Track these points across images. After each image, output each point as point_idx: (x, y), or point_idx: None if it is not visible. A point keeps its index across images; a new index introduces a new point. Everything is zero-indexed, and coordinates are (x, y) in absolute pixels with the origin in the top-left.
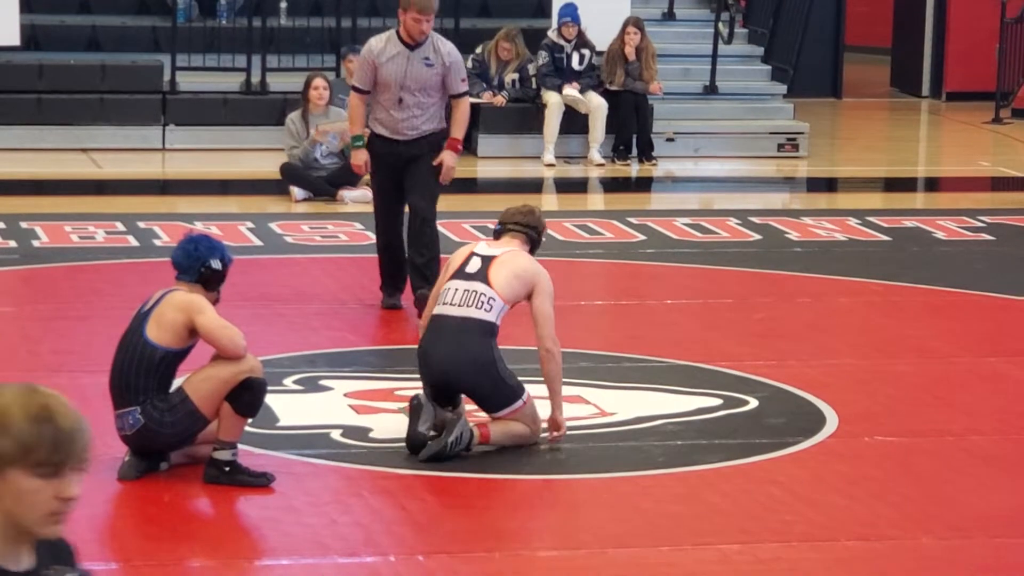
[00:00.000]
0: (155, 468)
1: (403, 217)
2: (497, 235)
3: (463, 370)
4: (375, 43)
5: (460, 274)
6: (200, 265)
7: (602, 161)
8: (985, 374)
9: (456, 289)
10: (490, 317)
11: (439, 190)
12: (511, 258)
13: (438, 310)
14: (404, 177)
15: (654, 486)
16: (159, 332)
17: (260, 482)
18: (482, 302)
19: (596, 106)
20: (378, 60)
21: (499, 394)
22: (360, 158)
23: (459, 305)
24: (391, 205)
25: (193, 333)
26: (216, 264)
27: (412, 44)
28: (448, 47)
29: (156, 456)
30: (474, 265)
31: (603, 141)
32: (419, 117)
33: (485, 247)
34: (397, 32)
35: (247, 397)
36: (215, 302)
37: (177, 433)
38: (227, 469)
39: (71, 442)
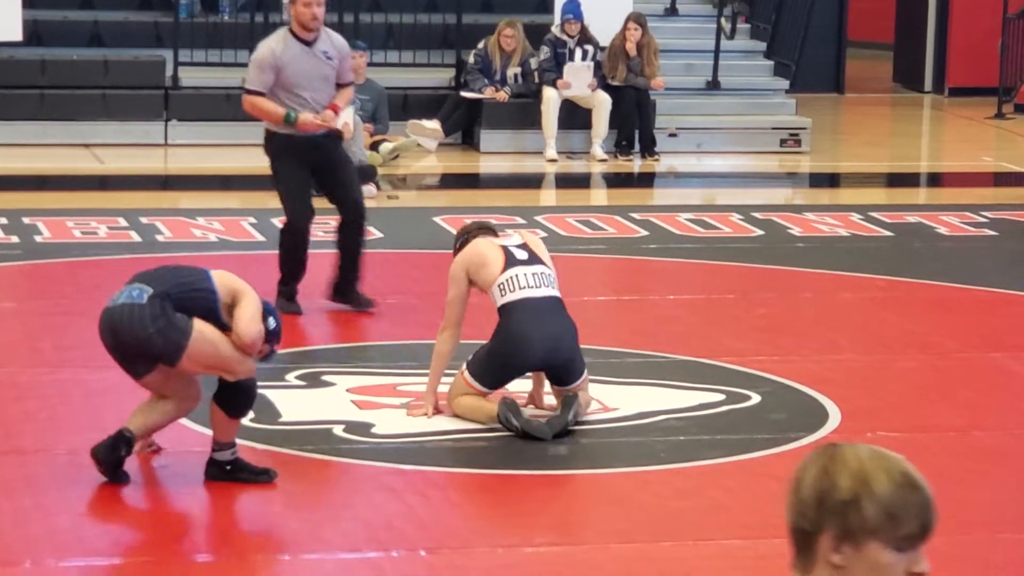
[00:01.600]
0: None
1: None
2: (469, 240)
3: (565, 345)
4: (274, 46)
5: (515, 262)
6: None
7: (604, 156)
8: (988, 370)
9: (524, 274)
10: (559, 293)
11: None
12: (532, 240)
13: (520, 295)
14: (323, 176)
15: (656, 481)
16: (223, 282)
17: (262, 479)
18: (551, 280)
19: (600, 102)
20: (280, 62)
21: (581, 364)
22: (308, 116)
23: (536, 287)
24: (305, 198)
25: (230, 313)
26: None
27: (308, 40)
28: (340, 39)
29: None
30: (520, 253)
31: (605, 136)
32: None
33: (502, 240)
34: (290, 30)
35: (241, 398)
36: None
37: (141, 341)
38: (228, 468)
39: (931, 512)
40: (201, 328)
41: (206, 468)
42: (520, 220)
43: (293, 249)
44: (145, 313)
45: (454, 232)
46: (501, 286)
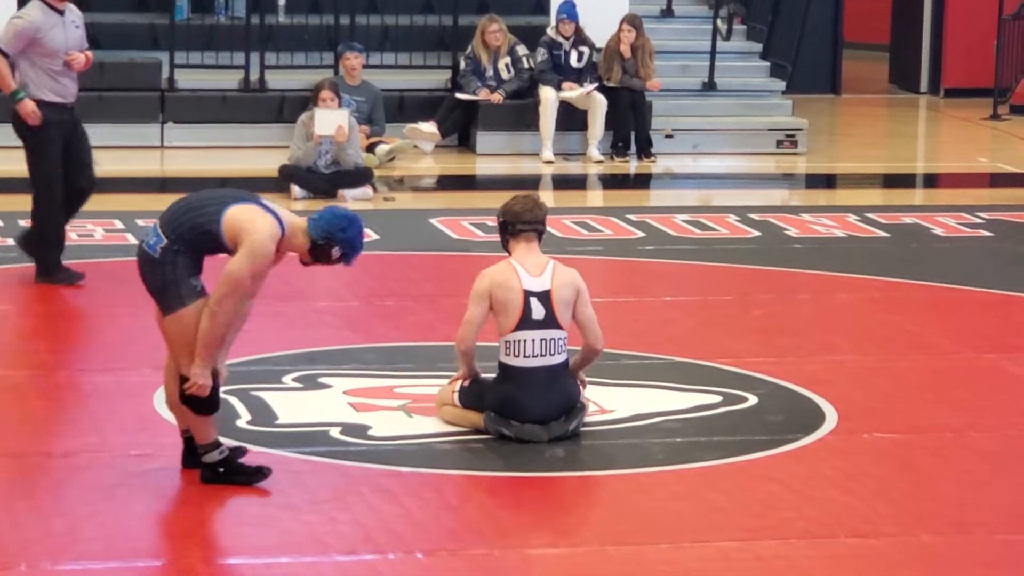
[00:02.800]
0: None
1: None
2: (514, 235)
3: (559, 414)
4: (35, 15)
5: (529, 323)
6: (327, 235)
7: (601, 158)
8: (985, 370)
9: (533, 340)
10: (565, 355)
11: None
12: (559, 285)
13: (523, 363)
14: (70, 148)
15: (653, 484)
16: (230, 223)
17: (256, 479)
18: (559, 347)
19: (596, 103)
20: (43, 30)
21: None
22: (29, 107)
23: (542, 355)
24: (59, 176)
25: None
26: (335, 251)
27: (60, 9)
28: (76, 9)
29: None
30: (538, 312)
31: (601, 138)
32: (75, 80)
33: (530, 280)
34: (42, 1)
35: (193, 400)
36: (306, 263)
37: (150, 290)
38: (221, 471)
39: None
40: (190, 314)
41: (200, 472)
42: None
43: (53, 236)
44: (156, 267)
45: (451, 233)
46: (508, 344)
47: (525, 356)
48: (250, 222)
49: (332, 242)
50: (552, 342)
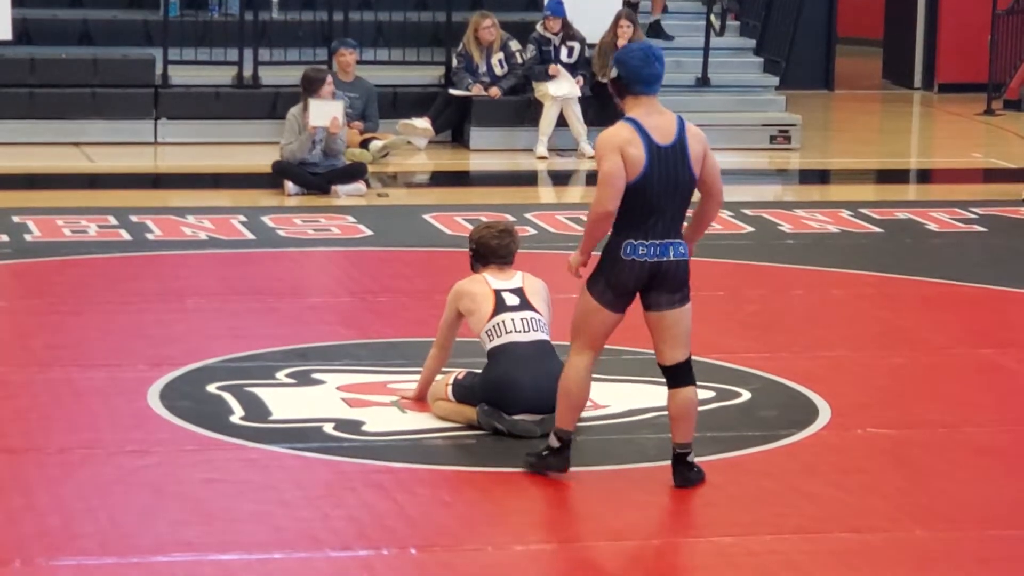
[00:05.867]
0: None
1: None
2: (485, 264)
3: (552, 391)
4: None
5: (504, 308)
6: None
7: (592, 153)
8: (978, 366)
9: (512, 319)
10: (547, 335)
11: None
12: (531, 286)
13: (507, 339)
14: None
15: (647, 479)
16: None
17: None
18: (541, 325)
19: (566, 102)
20: None
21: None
22: None
23: (523, 331)
24: None
25: None
26: None
27: None
28: None
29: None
30: (512, 299)
31: (588, 133)
32: None
33: (499, 282)
34: None
35: None
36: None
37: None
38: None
39: None
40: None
41: None
42: (510, 217)
43: None
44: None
45: (445, 229)
46: (489, 332)
47: (507, 332)
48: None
49: None
50: (531, 320)
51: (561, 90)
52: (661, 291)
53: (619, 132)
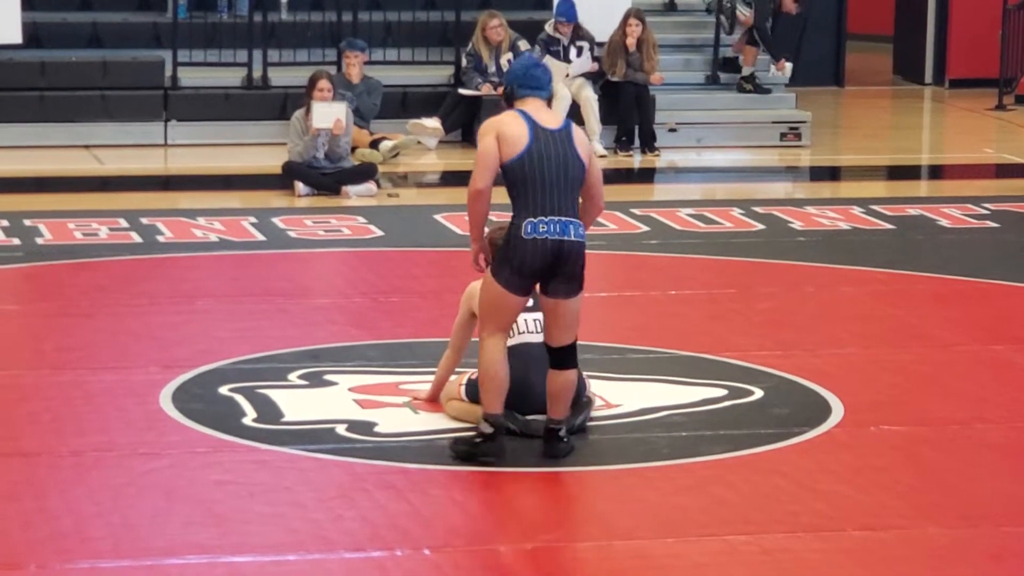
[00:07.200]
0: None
1: None
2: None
3: None
4: None
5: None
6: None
7: (604, 152)
8: (991, 362)
9: (527, 320)
10: None
11: None
12: None
13: (520, 340)
14: None
15: (659, 478)
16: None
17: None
18: None
19: (585, 100)
20: None
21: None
22: None
23: (536, 332)
24: None
25: None
26: None
27: None
28: None
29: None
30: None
31: (601, 132)
32: None
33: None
34: None
35: None
36: None
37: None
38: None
39: None
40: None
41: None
42: None
43: None
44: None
45: (455, 229)
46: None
47: (519, 333)
48: None
49: None
50: (542, 322)
51: (576, 70)
52: (560, 280)
53: (500, 116)
